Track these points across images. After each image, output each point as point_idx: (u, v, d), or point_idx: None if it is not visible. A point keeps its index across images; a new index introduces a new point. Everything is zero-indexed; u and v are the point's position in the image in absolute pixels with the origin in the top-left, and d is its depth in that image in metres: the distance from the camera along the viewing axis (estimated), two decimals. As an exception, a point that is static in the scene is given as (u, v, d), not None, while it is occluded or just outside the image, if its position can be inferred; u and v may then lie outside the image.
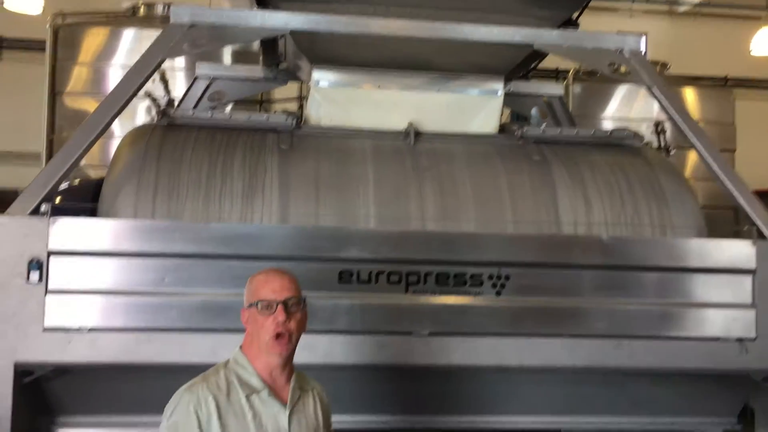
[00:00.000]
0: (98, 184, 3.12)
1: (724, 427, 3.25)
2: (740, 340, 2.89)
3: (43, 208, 2.62)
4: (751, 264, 2.93)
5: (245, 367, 2.11)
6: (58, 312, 2.58)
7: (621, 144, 3.52)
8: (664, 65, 7.80)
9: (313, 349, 2.68)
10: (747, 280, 2.93)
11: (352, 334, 2.74)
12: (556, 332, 2.82)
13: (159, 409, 2.83)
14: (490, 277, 2.82)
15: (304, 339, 2.66)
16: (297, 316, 2.09)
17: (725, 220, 5.86)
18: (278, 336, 2.05)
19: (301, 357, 2.66)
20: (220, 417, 2.00)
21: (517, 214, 3.05)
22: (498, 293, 2.82)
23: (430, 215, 3.01)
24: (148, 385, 2.78)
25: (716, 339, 2.89)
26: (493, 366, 2.80)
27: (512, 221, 3.03)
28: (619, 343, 2.84)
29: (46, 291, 2.57)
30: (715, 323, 2.91)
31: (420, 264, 2.80)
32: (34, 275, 2.55)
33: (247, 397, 2.05)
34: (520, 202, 3.09)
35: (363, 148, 3.22)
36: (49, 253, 2.58)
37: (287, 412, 2.07)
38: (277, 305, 2.06)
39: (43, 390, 2.73)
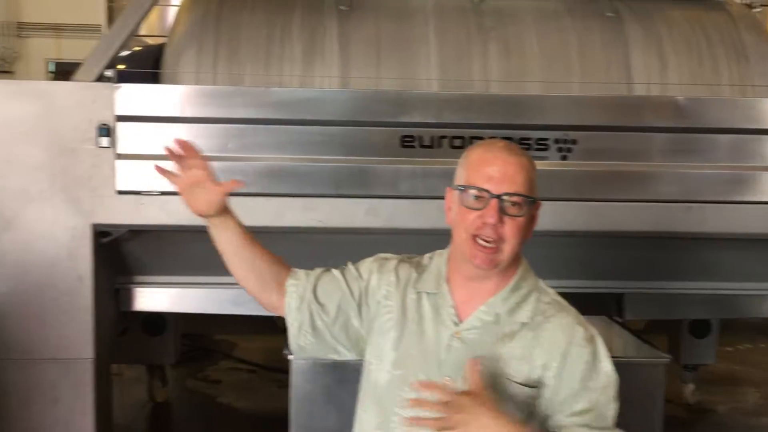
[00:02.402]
0: (159, 50, 3.12)
1: (792, 293, 3.21)
2: (816, 204, 2.78)
3: (108, 73, 2.64)
4: (834, 124, 2.77)
5: (440, 261, 1.64)
6: (129, 176, 2.65)
7: (702, -2, 3.28)
8: None
9: (376, 213, 2.71)
10: (827, 142, 2.79)
11: (414, 199, 2.74)
12: (623, 197, 2.77)
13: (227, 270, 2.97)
14: (556, 141, 2.75)
15: (368, 203, 2.72)
16: (517, 222, 1.49)
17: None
18: (477, 239, 1.50)
19: (364, 221, 2.73)
20: (388, 290, 1.62)
21: (586, 75, 2.93)
22: (564, 157, 2.76)
23: (494, 77, 2.91)
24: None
25: (790, 203, 2.80)
26: (558, 231, 2.79)
27: (581, 83, 2.91)
28: (689, 207, 2.78)
29: (117, 155, 2.64)
30: (791, 187, 2.79)
31: (484, 128, 2.73)
32: (104, 140, 2.61)
33: (419, 293, 1.61)
34: (590, 63, 2.95)
35: (425, 7, 3.08)
36: (117, 118, 2.63)
37: (451, 332, 1.54)
38: (490, 200, 1.48)
39: (120, 251, 2.86)
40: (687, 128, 2.79)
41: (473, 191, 1.51)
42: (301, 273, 1.70)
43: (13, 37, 10.37)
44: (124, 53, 3.10)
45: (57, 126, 2.62)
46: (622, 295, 3.14)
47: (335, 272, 1.70)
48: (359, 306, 1.65)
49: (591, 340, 1.54)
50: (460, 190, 1.54)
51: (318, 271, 1.70)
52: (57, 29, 10.22)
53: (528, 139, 2.74)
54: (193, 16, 3.03)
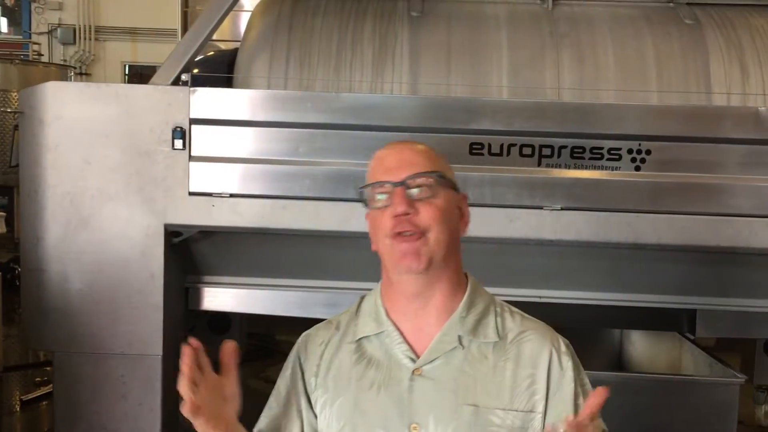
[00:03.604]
0: (232, 55, 3.18)
1: None
2: None
3: (184, 77, 2.70)
4: None
5: (374, 300, 1.42)
6: (201, 178, 2.71)
7: (788, 5, 3.15)
8: None
9: (442, 221, 2.69)
10: None
11: (483, 207, 2.72)
12: (699, 210, 2.68)
13: (293, 273, 3.01)
14: (630, 151, 2.68)
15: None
16: (434, 204, 1.31)
17: None
18: (399, 235, 1.29)
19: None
20: (319, 365, 1.40)
21: (663, 83, 2.85)
22: (637, 168, 2.69)
23: (566, 85, 2.86)
24: (284, 250, 2.92)
25: None
26: (629, 243, 2.72)
27: (657, 91, 2.83)
28: (769, 222, 2.67)
29: (190, 157, 2.70)
30: None
31: (554, 136, 2.69)
32: (179, 142, 2.67)
33: (359, 341, 1.39)
34: (667, 71, 2.87)
35: (497, 13, 3.06)
36: (191, 121, 2.68)
37: (409, 371, 1.32)
38: (394, 188, 1.31)
39: (190, 251, 2.93)
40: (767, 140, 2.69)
41: (375, 188, 1.33)
42: None
43: (91, 40, 10.76)
44: (199, 58, 3.16)
45: (133, 128, 2.70)
46: (694, 311, 3.03)
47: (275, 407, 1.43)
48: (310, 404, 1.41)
49: (569, 349, 1.36)
50: (363, 195, 1.36)
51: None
52: (133, 33, 10.55)
53: (600, 148, 2.69)
54: (265, 21, 3.08)
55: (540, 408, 1.31)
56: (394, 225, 1.30)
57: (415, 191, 1.31)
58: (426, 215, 1.30)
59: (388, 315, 1.37)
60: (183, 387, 1.22)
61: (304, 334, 1.47)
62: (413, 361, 1.33)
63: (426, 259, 1.30)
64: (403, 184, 1.31)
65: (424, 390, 1.31)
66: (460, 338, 1.33)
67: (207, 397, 1.25)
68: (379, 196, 1.33)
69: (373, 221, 1.36)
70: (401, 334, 1.36)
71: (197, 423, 1.25)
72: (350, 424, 1.34)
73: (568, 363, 1.33)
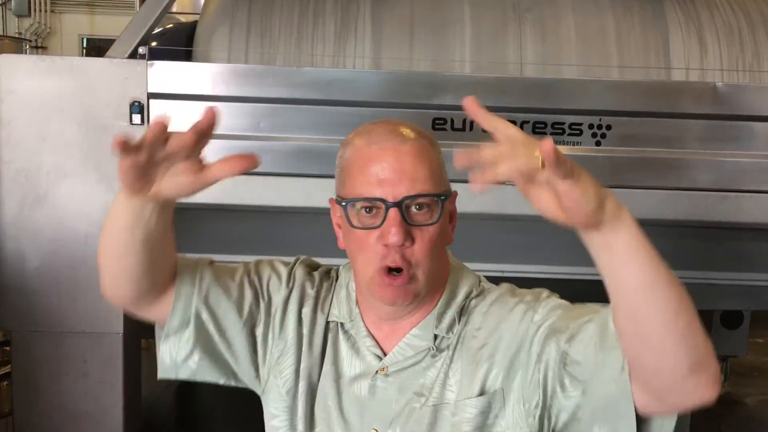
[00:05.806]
0: (191, 28, 3.12)
1: (828, 286, 3.14)
2: None
3: (141, 51, 2.65)
4: None
5: (348, 278, 1.27)
6: (160, 154, 2.66)
7: (746, -20, 3.19)
8: None
9: (405, 196, 2.69)
10: None
11: (446, 182, 2.73)
12: (658, 185, 2.72)
13: (255, 249, 2.98)
14: (591, 126, 2.71)
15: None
16: (429, 233, 1.13)
17: None
18: (389, 270, 1.13)
19: (393, 203, 2.71)
20: (297, 320, 1.26)
21: (623, 59, 2.87)
22: (598, 143, 2.72)
23: (529, 60, 2.87)
24: (246, 226, 2.90)
25: (832, 194, 2.73)
26: (589, 217, 2.75)
27: (618, 67, 2.86)
28: (725, 196, 2.72)
29: (148, 133, 2.65)
30: (835, 178, 2.72)
31: (516, 111, 2.70)
32: (136, 117, 2.62)
33: (327, 324, 1.25)
34: (627, 46, 2.89)
35: (460, -13, 3.05)
36: (149, 96, 2.63)
37: (373, 369, 1.19)
38: (387, 210, 1.10)
39: (151, 227, 2.88)
40: (725, 115, 2.73)
41: (361, 204, 1.12)
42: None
43: (47, 12, 10.48)
44: (157, 30, 3.10)
45: (90, 102, 2.64)
46: (654, 283, 3.09)
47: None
48: (269, 325, 1.26)
49: (507, 290, 1.27)
50: (342, 206, 1.14)
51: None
52: (90, 5, 10.30)
53: (561, 123, 2.71)
54: (225, -7, 3.02)
55: (505, 383, 1.14)
56: (384, 256, 1.12)
57: (413, 214, 1.12)
58: (419, 247, 1.12)
59: (357, 303, 1.23)
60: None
61: (308, 261, 1.31)
62: (380, 359, 1.19)
63: (412, 294, 1.15)
64: (400, 206, 1.10)
65: (386, 392, 1.17)
66: (435, 338, 1.18)
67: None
68: (366, 211, 1.13)
69: (350, 234, 1.15)
70: (366, 327, 1.21)
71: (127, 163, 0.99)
72: (318, 418, 1.21)
73: (509, 300, 1.22)
